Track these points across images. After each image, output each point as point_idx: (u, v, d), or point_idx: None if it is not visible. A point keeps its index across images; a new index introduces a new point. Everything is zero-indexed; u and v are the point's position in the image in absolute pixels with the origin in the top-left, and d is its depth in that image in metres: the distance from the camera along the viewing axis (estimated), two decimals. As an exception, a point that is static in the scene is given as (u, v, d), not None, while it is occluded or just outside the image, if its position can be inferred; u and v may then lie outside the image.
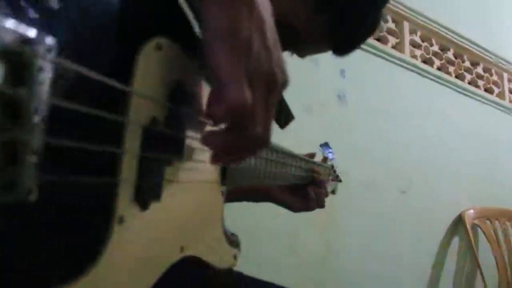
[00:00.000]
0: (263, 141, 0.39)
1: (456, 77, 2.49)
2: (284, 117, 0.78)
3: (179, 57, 0.39)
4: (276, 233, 1.59)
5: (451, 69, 2.48)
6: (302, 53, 0.75)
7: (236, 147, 0.38)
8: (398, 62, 2.14)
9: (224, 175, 0.53)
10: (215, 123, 0.39)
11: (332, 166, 1.26)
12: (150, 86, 0.35)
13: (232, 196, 0.93)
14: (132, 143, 0.34)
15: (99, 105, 0.30)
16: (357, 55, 1.92)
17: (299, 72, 1.75)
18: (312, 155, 1.01)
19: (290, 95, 1.84)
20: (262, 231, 1.55)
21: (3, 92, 0.19)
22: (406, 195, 2.08)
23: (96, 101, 0.30)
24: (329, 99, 1.87)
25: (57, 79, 0.25)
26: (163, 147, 0.38)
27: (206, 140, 0.37)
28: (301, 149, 1.15)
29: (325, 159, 1.25)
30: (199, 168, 0.47)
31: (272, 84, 0.37)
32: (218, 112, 0.35)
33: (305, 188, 0.93)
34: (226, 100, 0.34)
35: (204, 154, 0.45)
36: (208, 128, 0.44)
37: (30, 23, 0.24)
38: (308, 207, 0.93)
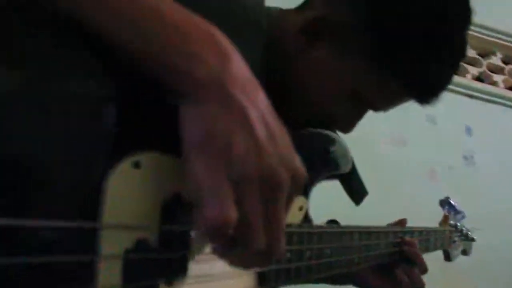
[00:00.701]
0: (272, 253, 0.33)
1: None
2: (358, 193, 0.69)
3: (171, 167, 0.34)
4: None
5: None
6: (384, 109, 0.65)
7: (245, 260, 0.34)
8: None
9: (262, 278, 0.47)
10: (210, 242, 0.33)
11: (456, 226, 1.08)
12: (129, 211, 0.31)
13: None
14: (108, 278, 0.30)
15: (62, 249, 0.27)
16: (484, 108, 1.73)
17: (417, 133, 1.62)
18: (403, 222, 0.84)
19: (410, 160, 1.71)
20: None
21: None
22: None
23: (58, 245, 0.27)
24: (455, 161, 1.66)
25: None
26: (155, 271, 0.33)
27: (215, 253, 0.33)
28: (424, 220, 1.01)
29: (445, 218, 1.08)
30: (221, 278, 0.41)
31: (272, 186, 0.31)
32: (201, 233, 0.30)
33: (393, 268, 0.76)
34: (204, 218, 0.28)
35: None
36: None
37: None
38: None
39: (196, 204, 0.29)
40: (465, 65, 1.84)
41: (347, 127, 0.64)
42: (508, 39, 1.92)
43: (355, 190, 0.69)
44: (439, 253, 1.08)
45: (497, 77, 1.88)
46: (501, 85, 1.87)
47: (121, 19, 0.29)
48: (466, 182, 1.63)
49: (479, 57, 1.89)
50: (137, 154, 0.32)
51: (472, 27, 1.80)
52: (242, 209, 0.30)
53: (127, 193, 0.31)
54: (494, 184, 1.67)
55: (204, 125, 0.29)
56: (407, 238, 0.78)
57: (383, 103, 0.62)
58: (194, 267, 0.38)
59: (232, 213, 0.29)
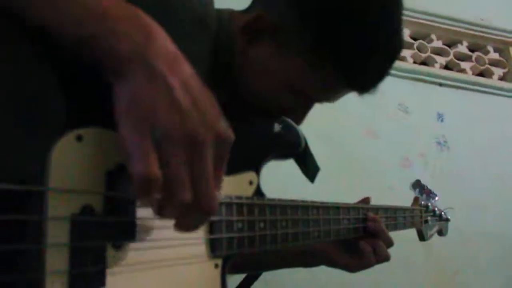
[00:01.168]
0: (202, 206, 0.37)
1: None
2: (311, 170, 0.74)
3: (114, 141, 0.39)
4: None
5: None
6: (327, 101, 0.70)
7: (180, 213, 0.37)
8: (507, 93, 1.89)
9: (213, 246, 0.50)
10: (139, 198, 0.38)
11: (427, 206, 1.12)
12: (73, 177, 0.36)
13: (270, 264, 0.86)
14: (56, 237, 0.34)
15: (11, 208, 0.31)
16: (454, 95, 1.79)
17: (389, 123, 1.68)
18: (366, 200, 0.88)
19: (385, 150, 1.75)
20: None
21: None
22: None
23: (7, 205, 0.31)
24: (429, 148, 1.71)
25: None
26: (102, 234, 0.38)
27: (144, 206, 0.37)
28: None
29: (416, 199, 1.12)
30: (171, 245, 0.45)
31: (194, 144, 0.35)
32: (134, 189, 0.34)
33: (358, 242, 0.80)
34: (132, 173, 0.33)
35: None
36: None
37: None
38: (366, 264, 0.80)
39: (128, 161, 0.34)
40: (433, 55, 1.90)
41: (297, 119, 0.68)
42: (474, 27, 1.99)
43: (309, 168, 0.73)
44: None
45: (464, 65, 1.94)
46: (469, 72, 1.93)
47: (49, 9, 0.33)
48: (441, 167, 1.68)
49: (446, 47, 1.96)
50: (79, 128, 0.37)
51: (436, 19, 1.86)
52: (166, 166, 0.34)
53: (71, 163, 0.36)
54: (468, 166, 1.72)
55: (129, 94, 0.34)
56: (371, 214, 0.82)
57: (323, 95, 0.67)
58: (144, 233, 0.43)
59: (154, 167, 0.33)
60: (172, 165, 0.34)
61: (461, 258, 1.58)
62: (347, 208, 0.78)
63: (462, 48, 1.97)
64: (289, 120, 0.69)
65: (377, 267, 1.45)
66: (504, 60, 2.02)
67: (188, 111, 0.35)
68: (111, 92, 0.35)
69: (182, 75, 0.36)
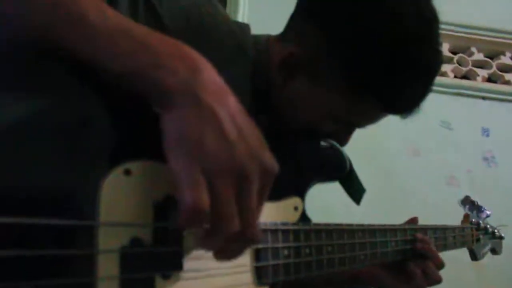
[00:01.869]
0: (247, 237, 0.37)
1: None
2: (357, 192, 0.73)
3: (161, 172, 0.40)
4: None
5: None
6: (368, 125, 0.68)
7: (224, 246, 0.37)
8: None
9: (260, 274, 0.50)
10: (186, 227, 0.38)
11: (479, 223, 1.06)
12: (122, 211, 0.36)
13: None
14: (107, 270, 0.35)
15: (63, 243, 0.32)
16: (498, 108, 1.73)
17: (433, 139, 1.63)
18: (414, 220, 0.85)
19: (429, 168, 1.70)
20: None
21: None
22: None
23: (59, 240, 0.32)
24: (475, 164, 1.64)
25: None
26: (151, 266, 0.38)
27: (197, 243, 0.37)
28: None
29: (466, 217, 1.08)
30: (218, 274, 0.45)
31: (242, 177, 0.35)
32: (180, 220, 0.34)
33: (407, 264, 0.77)
34: (182, 205, 0.33)
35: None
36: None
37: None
38: (415, 287, 0.77)
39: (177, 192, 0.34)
40: (474, 68, 1.85)
41: (341, 142, 0.69)
42: (516, 38, 1.92)
43: (354, 190, 0.72)
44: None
45: (509, 76, 1.87)
46: (515, 83, 1.86)
47: (97, 46, 0.34)
48: (488, 182, 1.61)
49: (488, 59, 1.90)
50: (127, 162, 0.37)
51: (476, 31, 1.82)
52: (215, 197, 0.34)
53: (120, 197, 0.37)
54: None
55: (178, 126, 0.34)
56: (419, 234, 0.80)
57: (364, 121, 0.66)
58: (190, 263, 0.43)
59: (204, 198, 0.33)
60: (220, 197, 0.34)
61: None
62: (394, 230, 0.76)
63: (505, 59, 1.90)
64: (333, 142, 0.68)
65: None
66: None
67: (236, 143, 0.35)
68: (156, 124, 0.36)
69: (229, 107, 0.36)
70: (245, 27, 0.67)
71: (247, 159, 0.36)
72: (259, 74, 0.64)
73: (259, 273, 0.51)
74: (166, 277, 0.40)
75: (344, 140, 0.69)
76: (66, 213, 0.33)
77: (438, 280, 0.78)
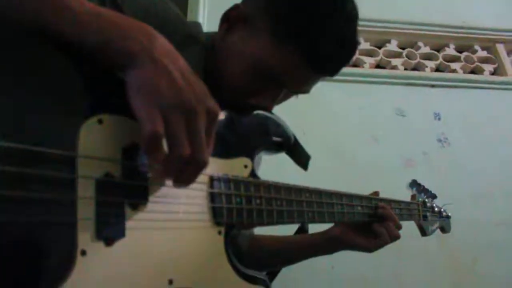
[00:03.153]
0: (197, 160, 0.47)
1: None
2: (303, 159, 0.83)
3: (128, 124, 0.50)
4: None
5: None
6: (296, 88, 0.78)
7: (176, 169, 0.47)
8: (498, 86, 1.97)
9: (215, 213, 0.60)
10: (149, 159, 0.48)
11: (425, 202, 1.18)
12: (96, 150, 0.47)
13: (295, 258, 0.97)
14: (85, 191, 0.45)
15: (49, 167, 0.42)
16: (448, 94, 1.88)
17: (389, 126, 1.76)
18: (376, 193, 1.02)
19: (388, 153, 1.82)
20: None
21: None
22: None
23: (46, 167, 0.42)
24: (430, 146, 1.78)
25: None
26: (121, 194, 0.48)
27: (152, 168, 0.47)
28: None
29: (413, 197, 1.19)
30: (178, 210, 0.55)
31: (189, 110, 0.46)
32: (143, 147, 0.44)
33: (371, 225, 0.94)
34: (143, 134, 0.44)
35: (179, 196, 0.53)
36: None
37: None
38: (382, 243, 0.94)
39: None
40: (423, 61, 2.01)
41: (268, 105, 0.77)
42: (458, 30, 2.10)
43: (301, 157, 0.83)
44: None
45: (454, 65, 2.04)
46: (460, 71, 2.02)
47: (77, 26, 0.45)
48: (443, 162, 1.75)
49: (434, 51, 2.06)
50: (100, 114, 0.48)
51: (421, 27, 1.97)
52: (168, 126, 0.45)
53: (95, 140, 0.47)
54: (471, 158, 1.78)
55: (138, 80, 0.45)
56: (381, 203, 0.97)
57: (290, 78, 0.74)
58: (154, 196, 0.53)
59: (159, 125, 0.43)
60: (173, 125, 0.45)
61: (477, 246, 1.61)
62: (340, 195, 0.87)
63: (450, 51, 2.07)
64: (276, 118, 0.79)
65: (396, 261, 1.50)
66: (493, 57, 2.11)
67: (184, 87, 0.47)
68: (122, 87, 0.47)
69: (179, 65, 0.48)
70: (196, 23, 0.80)
71: (193, 99, 0.47)
72: (208, 57, 0.76)
73: (214, 213, 0.61)
74: (134, 206, 0.50)
75: (270, 103, 0.77)
76: (52, 145, 0.43)
77: (398, 236, 0.95)
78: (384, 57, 1.96)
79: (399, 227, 0.97)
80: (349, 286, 1.47)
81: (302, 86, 0.77)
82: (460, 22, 2.11)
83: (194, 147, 0.47)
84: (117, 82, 0.48)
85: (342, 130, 1.70)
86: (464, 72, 2.03)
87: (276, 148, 0.80)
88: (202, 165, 0.48)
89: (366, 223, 0.95)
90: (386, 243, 0.94)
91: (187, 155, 0.46)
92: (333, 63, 0.75)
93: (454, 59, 2.07)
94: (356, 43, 0.76)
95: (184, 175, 0.49)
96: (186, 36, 0.73)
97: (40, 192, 0.41)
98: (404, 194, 1.41)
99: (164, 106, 0.45)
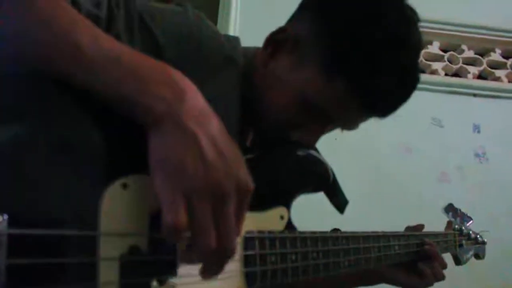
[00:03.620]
0: (224, 249, 0.41)
1: None
2: (341, 202, 0.77)
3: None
4: None
5: None
6: (343, 125, 0.71)
7: (204, 260, 0.42)
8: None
9: (249, 278, 0.55)
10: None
11: (461, 230, 1.11)
12: (121, 222, 0.41)
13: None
14: (108, 276, 0.39)
15: (68, 252, 0.37)
16: (489, 105, 1.76)
17: (424, 137, 1.67)
18: (420, 227, 0.96)
19: (421, 165, 1.73)
20: None
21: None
22: None
23: (65, 249, 0.37)
24: (466, 160, 1.69)
25: (14, 242, 0.32)
26: (147, 273, 0.42)
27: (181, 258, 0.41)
28: (438, 222, 1.09)
29: (449, 224, 1.13)
30: (209, 284, 0.49)
31: (219, 196, 0.39)
32: (164, 237, 0.38)
33: (416, 264, 0.89)
34: (163, 224, 0.37)
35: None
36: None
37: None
38: (426, 284, 0.89)
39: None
40: (465, 66, 1.89)
41: (311, 140, 0.70)
42: (506, 34, 1.96)
43: (338, 200, 0.76)
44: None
45: (499, 72, 1.91)
46: (505, 79, 1.90)
47: (90, 75, 0.38)
48: (479, 178, 1.65)
49: (479, 56, 1.94)
50: (124, 177, 0.42)
51: (466, 29, 1.85)
52: (193, 215, 0.38)
53: (119, 209, 0.41)
54: (507, 176, 1.68)
55: (161, 150, 0.38)
56: (427, 239, 0.91)
57: (337, 114, 0.66)
58: (184, 268, 0.47)
59: (182, 218, 0.37)
60: (198, 215, 0.38)
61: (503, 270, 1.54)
62: (376, 237, 0.81)
63: (496, 56, 1.94)
64: (317, 155, 0.72)
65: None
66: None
67: (214, 164, 0.39)
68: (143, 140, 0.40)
69: (210, 130, 0.40)
70: (233, 40, 0.71)
71: (223, 178, 0.39)
72: (246, 80, 0.68)
73: (248, 277, 0.55)
74: (161, 282, 0.45)
75: (314, 139, 0.71)
76: (70, 226, 0.37)
77: (443, 278, 0.91)
78: (424, 60, 1.85)
79: (445, 266, 0.92)
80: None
81: (351, 124, 0.70)
82: (509, 25, 1.97)
83: (222, 236, 0.40)
84: (138, 136, 0.41)
85: (375, 138, 1.61)
86: (510, 81, 1.90)
87: (314, 189, 0.73)
88: (229, 254, 0.42)
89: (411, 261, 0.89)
90: (430, 284, 0.90)
91: (213, 247, 0.40)
92: (389, 104, 0.66)
93: (499, 66, 1.94)
94: (417, 82, 0.67)
95: (210, 268, 0.43)
96: (223, 58, 0.65)
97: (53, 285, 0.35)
98: (434, 209, 1.34)
99: (188, 190, 0.38)
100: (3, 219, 0.33)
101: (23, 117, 0.36)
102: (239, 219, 0.43)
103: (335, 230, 0.95)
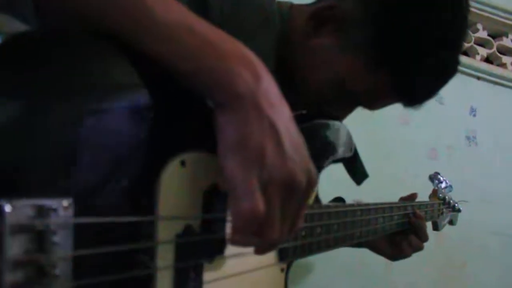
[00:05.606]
0: (276, 243, 0.41)
1: None
2: (359, 175, 0.78)
3: (209, 162, 0.42)
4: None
5: None
6: (371, 108, 0.72)
7: (262, 246, 0.42)
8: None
9: (282, 255, 0.56)
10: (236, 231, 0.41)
11: (445, 198, 1.17)
12: (177, 203, 0.39)
13: None
14: (164, 260, 0.38)
15: (127, 238, 0.34)
16: (490, 90, 1.77)
17: (423, 111, 1.66)
18: (413, 196, 1.00)
19: (413, 139, 1.75)
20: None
21: (23, 260, 0.25)
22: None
23: (123, 236, 0.34)
24: (457, 141, 1.72)
25: (80, 232, 0.30)
26: (200, 254, 0.42)
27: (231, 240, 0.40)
28: (424, 195, 1.11)
29: (434, 192, 1.18)
30: (247, 258, 0.49)
31: (292, 189, 0.38)
32: (234, 223, 0.37)
33: (402, 236, 0.94)
34: (239, 212, 0.35)
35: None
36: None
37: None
38: (404, 256, 0.96)
39: (230, 193, 0.36)
40: (476, 46, 1.87)
41: (340, 115, 0.72)
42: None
43: (357, 172, 0.77)
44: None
45: (506, 59, 1.90)
46: (510, 67, 1.90)
47: (158, 40, 0.35)
48: (466, 161, 1.70)
49: (490, 38, 1.91)
50: (182, 154, 0.39)
51: (484, 7, 1.79)
52: (267, 206, 0.36)
53: (176, 188, 0.39)
54: (492, 164, 1.74)
55: (239, 129, 0.36)
56: (418, 211, 0.94)
57: (370, 100, 0.68)
58: (228, 247, 0.47)
59: (261, 207, 0.35)
60: (272, 206, 0.37)
61: (469, 249, 1.64)
62: (384, 208, 0.84)
63: (507, 41, 1.92)
64: (342, 126, 0.71)
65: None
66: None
67: (292, 158, 0.38)
68: (206, 117, 0.38)
69: (284, 119, 0.38)
70: None
71: (299, 171, 0.38)
72: (283, 42, 0.65)
73: (281, 254, 0.56)
74: (211, 261, 0.44)
75: (342, 116, 0.72)
76: (129, 209, 0.35)
77: (421, 248, 0.96)
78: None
79: (426, 239, 0.96)
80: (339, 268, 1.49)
81: (380, 107, 0.71)
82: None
83: (285, 229, 0.40)
84: (195, 111, 0.38)
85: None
86: (513, 69, 1.91)
87: (337, 161, 0.73)
88: (277, 246, 0.43)
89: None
90: (408, 256, 0.96)
91: (277, 238, 0.39)
92: (425, 99, 0.68)
93: (508, 52, 1.93)
94: (453, 75, 0.68)
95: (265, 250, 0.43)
96: (262, 21, 0.62)
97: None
98: (417, 183, 1.38)
99: (266, 178, 0.36)
100: (69, 204, 0.29)
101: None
102: (302, 211, 0.42)
103: (338, 198, 0.97)
